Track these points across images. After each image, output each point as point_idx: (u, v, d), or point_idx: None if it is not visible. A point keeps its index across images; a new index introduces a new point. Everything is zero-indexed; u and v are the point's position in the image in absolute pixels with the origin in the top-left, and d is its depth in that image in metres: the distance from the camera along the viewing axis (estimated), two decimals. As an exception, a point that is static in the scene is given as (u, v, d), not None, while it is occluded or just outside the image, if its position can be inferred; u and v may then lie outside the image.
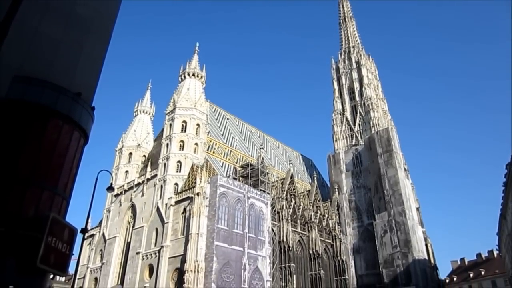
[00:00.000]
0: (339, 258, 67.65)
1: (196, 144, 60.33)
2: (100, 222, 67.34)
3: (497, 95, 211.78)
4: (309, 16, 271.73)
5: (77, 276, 55.62)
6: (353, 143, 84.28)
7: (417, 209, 76.99)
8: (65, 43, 12.11)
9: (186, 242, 46.84)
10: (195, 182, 50.48)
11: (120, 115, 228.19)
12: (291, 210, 62.65)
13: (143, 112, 76.59)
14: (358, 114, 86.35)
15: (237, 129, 79.48)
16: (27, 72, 10.95)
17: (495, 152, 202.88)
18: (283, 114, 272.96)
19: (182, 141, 59.57)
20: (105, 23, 14.07)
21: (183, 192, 52.86)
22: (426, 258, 68.86)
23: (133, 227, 59.04)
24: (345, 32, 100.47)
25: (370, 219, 73.81)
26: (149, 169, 61.30)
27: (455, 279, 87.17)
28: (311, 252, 63.04)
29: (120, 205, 64.11)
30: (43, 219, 9.76)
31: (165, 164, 58.13)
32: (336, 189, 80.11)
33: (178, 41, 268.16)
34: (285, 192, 63.83)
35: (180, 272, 46.00)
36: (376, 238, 69.93)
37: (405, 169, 78.11)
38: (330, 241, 68.86)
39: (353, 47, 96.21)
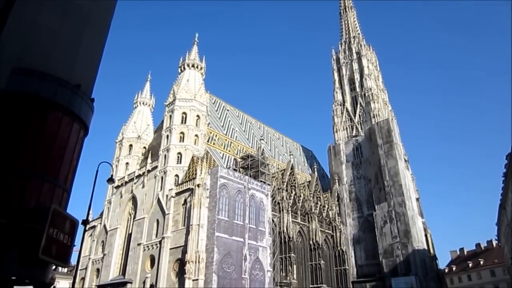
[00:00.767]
0: (339, 248, 68.07)
1: (196, 135, 60.29)
2: (101, 214, 67.63)
3: (498, 86, 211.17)
4: (309, 6, 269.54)
5: (79, 267, 56.29)
6: (354, 134, 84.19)
7: (417, 199, 77.15)
8: (63, 35, 12.03)
9: (187, 233, 47.10)
10: (196, 174, 50.58)
11: (120, 107, 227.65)
12: (291, 201, 62.86)
13: (143, 103, 76.38)
14: (358, 105, 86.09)
15: (237, 120, 79.39)
16: (26, 64, 10.90)
17: (496, 143, 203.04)
18: (283, 105, 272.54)
19: (182, 132, 59.54)
20: (103, 14, 13.97)
21: (184, 184, 52.99)
22: (426, 248, 69.20)
23: (134, 218, 59.32)
24: (346, 22, 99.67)
25: (370, 210, 74.08)
26: (149, 160, 61.38)
27: (454, 269, 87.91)
28: (311, 242, 63.41)
29: (121, 196, 64.35)
30: (44, 211, 9.81)
31: (165, 155, 58.20)
32: (336, 180, 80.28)
33: (177, 32, 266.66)
34: (285, 183, 63.97)
35: (181, 263, 46.33)
36: (376, 229, 70.23)
37: (405, 160, 78.18)
38: (330, 232, 69.22)
39: (354, 37, 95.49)
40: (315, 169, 78.29)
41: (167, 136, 59.84)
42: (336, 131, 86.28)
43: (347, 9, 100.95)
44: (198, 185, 48.71)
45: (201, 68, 68.03)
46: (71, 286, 59.58)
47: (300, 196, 66.50)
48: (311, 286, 59.79)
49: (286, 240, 57.35)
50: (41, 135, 10.83)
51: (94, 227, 66.17)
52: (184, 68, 66.87)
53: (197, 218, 46.67)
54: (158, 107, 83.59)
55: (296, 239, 61.84)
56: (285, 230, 57.86)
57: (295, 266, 57.02)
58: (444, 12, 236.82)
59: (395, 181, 70.97)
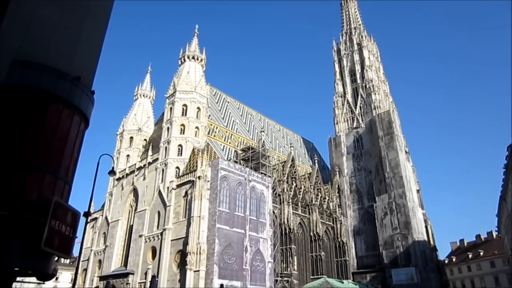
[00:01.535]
0: (339, 240, 68.46)
1: (196, 127, 60.25)
2: (103, 206, 67.99)
3: (499, 77, 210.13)
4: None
5: (81, 259, 56.66)
6: (354, 126, 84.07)
7: (418, 191, 77.23)
8: (63, 27, 11.96)
9: (188, 224, 47.37)
10: (197, 166, 50.69)
11: (121, 99, 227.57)
12: (292, 193, 63.07)
13: (143, 96, 76.21)
14: (359, 97, 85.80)
15: (238, 112, 79.28)
16: (25, 56, 10.86)
17: (496, 134, 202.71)
18: (284, 97, 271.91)
19: (182, 124, 59.51)
20: (103, 6, 13.89)
21: (185, 176, 53.13)
22: (426, 239, 69.49)
23: (135, 210, 59.62)
24: (347, 13, 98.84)
25: (370, 202, 74.32)
26: (150, 153, 61.49)
27: (454, 260, 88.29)
28: (311, 234, 63.74)
29: (122, 188, 64.60)
30: (46, 203, 9.87)
31: (166, 147, 58.25)
32: (337, 172, 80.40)
33: (178, 25, 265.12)
34: (286, 175, 64.11)
35: (183, 254, 46.68)
36: (376, 220, 70.52)
37: (406, 152, 78.14)
38: (330, 223, 69.55)
39: (355, 28, 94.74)
40: (316, 161, 78.40)
41: (168, 128, 59.83)
42: (337, 123, 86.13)
43: (348, 0, 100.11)
44: (199, 177, 48.84)
45: (201, 60, 67.69)
46: (73, 277, 60.08)
47: (301, 187, 66.67)
48: (311, 277, 60.22)
49: (287, 231, 57.66)
50: (42, 128, 10.83)
51: (95, 219, 66.59)
52: (184, 60, 66.55)
53: (198, 210, 46.89)
54: (158, 100, 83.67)
55: (297, 230, 62.16)
56: (285, 222, 58.14)
57: (295, 258, 57.36)
58: (445, 4, 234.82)
59: (395, 172, 71.07)
